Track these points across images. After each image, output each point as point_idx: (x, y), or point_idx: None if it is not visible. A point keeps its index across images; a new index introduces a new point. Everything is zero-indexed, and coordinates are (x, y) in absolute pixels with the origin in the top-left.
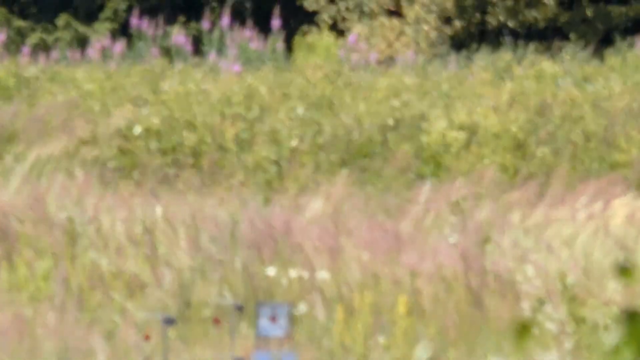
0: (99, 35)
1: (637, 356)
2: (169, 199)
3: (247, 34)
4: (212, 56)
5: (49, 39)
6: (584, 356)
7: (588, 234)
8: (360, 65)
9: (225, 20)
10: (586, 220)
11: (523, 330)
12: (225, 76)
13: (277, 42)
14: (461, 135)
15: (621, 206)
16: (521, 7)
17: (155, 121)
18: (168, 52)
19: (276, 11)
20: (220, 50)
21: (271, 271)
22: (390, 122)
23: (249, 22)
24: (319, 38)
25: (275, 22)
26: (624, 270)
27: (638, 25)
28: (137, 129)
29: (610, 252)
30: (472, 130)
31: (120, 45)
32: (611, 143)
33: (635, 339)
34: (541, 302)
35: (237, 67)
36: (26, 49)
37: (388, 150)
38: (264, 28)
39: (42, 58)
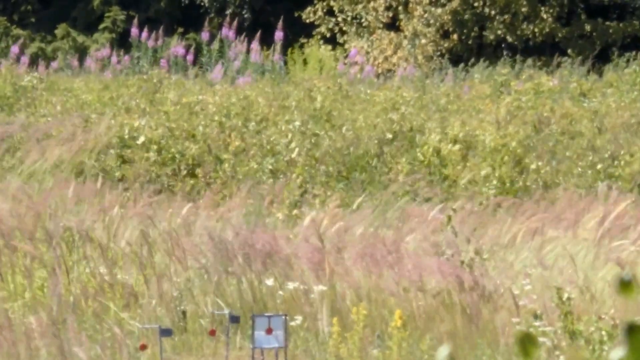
0: (98, 45)
1: None
2: (166, 209)
3: (246, 46)
4: (217, 68)
5: (48, 48)
6: None
7: (586, 248)
8: (358, 78)
9: (225, 32)
10: (584, 235)
11: (528, 342)
12: (223, 87)
13: (276, 54)
14: (458, 149)
15: (619, 220)
16: (519, 21)
17: (154, 131)
18: (166, 63)
19: (278, 23)
20: (219, 62)
21: (267, 283)
22: (388, 135)
23: (248, 34)
24: (316, 50)
25: (277, 35)
26: (625, 285)
27: (636, 41)
28: (135, 139)
29: (608, 266)
30: (469, 144)
31: (118, 56)
32: (610, 158)
33: (637, 353)
34: (536, 317)
35: (247, 79)
36: (25, 59)
37: (385, 164)
38: (262, 40)
39: (41, 67)
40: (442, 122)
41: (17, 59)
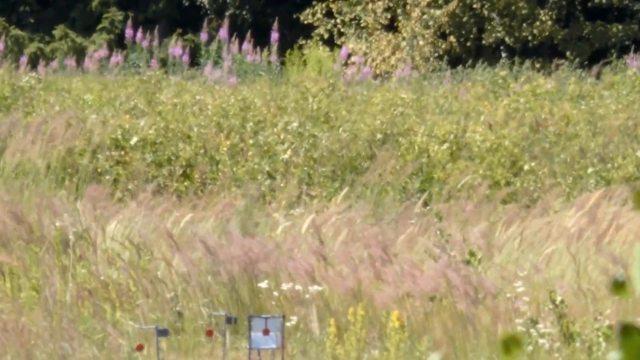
0: (96, 46)
1: None
2: (162, 210)
3: (244, 47)
4: (208, 68)
5: (47, 49)
6: None
7: (581, 249)
8: (356, 79)
9: (223, 32)
10: (579, 236)
11: (512, 343)
12: (221, 88)
13: (273, 55)
14: (455, 150)
15: (615, 222)
16: (518, 23)
17: (151, 132)
18: (164, 64)
19: (273, 24)
20: (217, 63)
21: (264, 285)
22: (385, 136)
23: (246, 35)
24: (314, 52)
25: (272, 36)
26: (618, 285)
27: (634, 43)
28: (133, 140)
29: (604, 267)
30: (466, 146)
31: (116, 56)
32: (607, 160)
33: (631, 354)
34: (533, 320)
35: (232, 80)
36: (23, 59)
37: (381, 165)
38: (260, 41)
39: (39, 68)
40: (440, 124)
41: (16, 59)
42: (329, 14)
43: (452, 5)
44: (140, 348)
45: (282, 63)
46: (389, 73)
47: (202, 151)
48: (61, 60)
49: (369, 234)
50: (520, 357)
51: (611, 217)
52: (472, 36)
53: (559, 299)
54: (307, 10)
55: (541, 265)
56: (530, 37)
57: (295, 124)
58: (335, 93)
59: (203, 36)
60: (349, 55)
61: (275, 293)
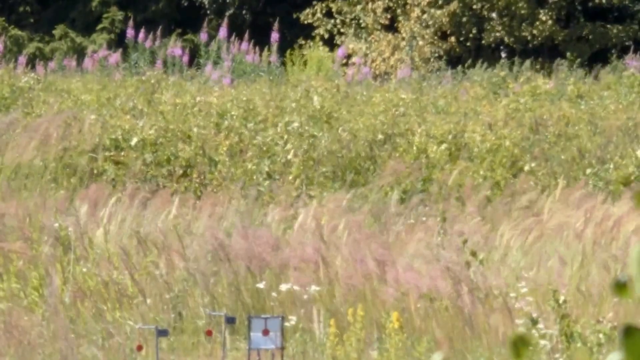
0: (96, 46)
1: None
2: (161, 210)
3: (243, 47)
4: (207, 68)
5: (46, 49)
6: None
7: (580, 250)
8: (355, 79)
9: (222, 32)
10: (578, 237)
11: (520, 343)
12: (221, 88)
13: (273, 55)
14: (455, 151)
15: (614, 222)
16: (518, 24)
17: (151, 132)
18: (164, 64)
19: (273, 24)
20: (216, 63)
21: (263, 285)
22: (384, 137)
23: (246, 35)
24: (314, 52)
25: (272, 35)
26: (620, 286)
27: (634, 44)
28: (133, 141)
29: (604, 268)
30: (465, 146)
31: (116, 56)
32: (606, 160)
33: (634, 356)
34: (534, 320)
35: (227, 80)
36: (23, 59)
37: (381, 165)
38: (260, 41)
39: (38, 68)
40: (439, 124)
41: (15, 59)
42: (329, 14)
43: (452, 6)
44: (140, 349)
45: (282, 63)
46: (388, 74)
47: (201, 151)
48: (60, 60)
49: (369, 234)
50: (528, 357)
51: (610, 217)
52: (471, 36)
53: (562, 298)
54: (307, 10)
55: (540, 266)
56: (530, 38)
57: (296, 124)
58: (336, 93)
59: (203, 36)
60: (349, 56)
61: (275, 294)
